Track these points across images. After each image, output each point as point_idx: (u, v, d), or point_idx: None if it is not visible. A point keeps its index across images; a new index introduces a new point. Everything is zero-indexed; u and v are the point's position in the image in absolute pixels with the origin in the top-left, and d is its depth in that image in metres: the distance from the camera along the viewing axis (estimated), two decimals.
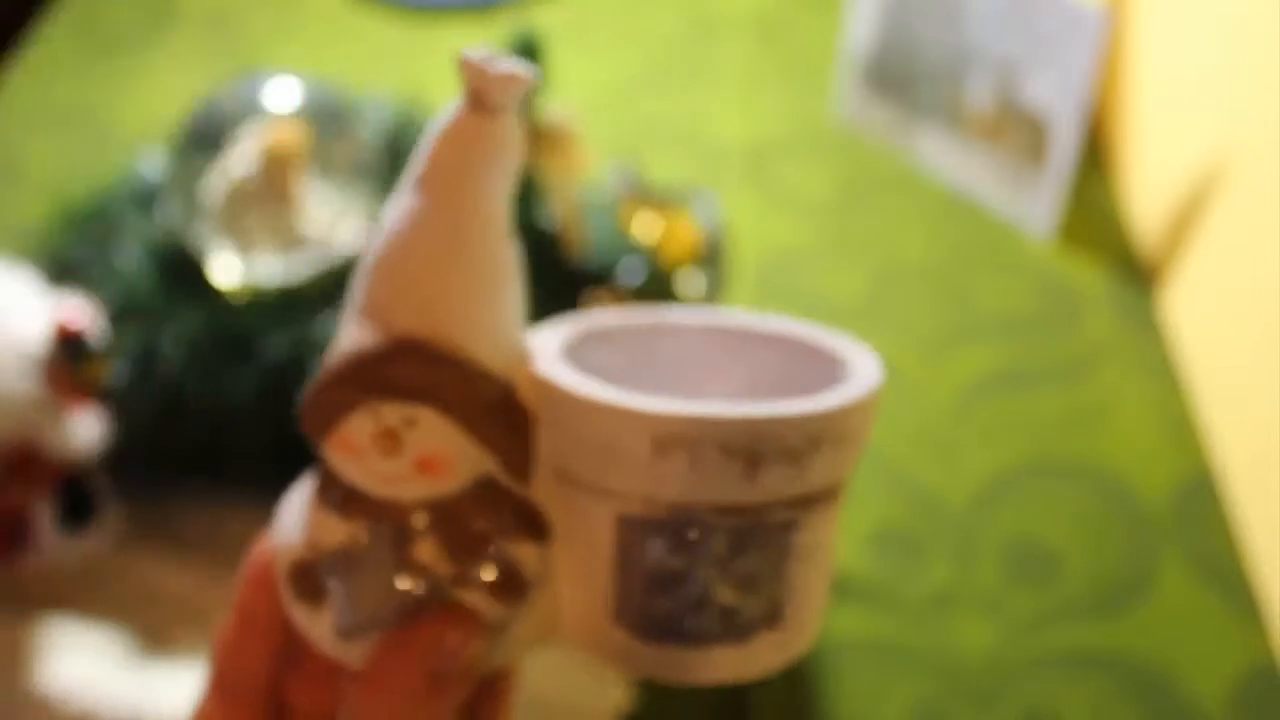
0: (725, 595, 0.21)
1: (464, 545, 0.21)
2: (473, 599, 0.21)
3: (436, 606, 0.21)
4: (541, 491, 0.21)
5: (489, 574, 0.21)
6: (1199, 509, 0.49)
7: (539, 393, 0.21)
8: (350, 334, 0.21)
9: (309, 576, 0.21)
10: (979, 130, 0.63)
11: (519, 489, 0.21)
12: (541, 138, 0.46)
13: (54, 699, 0.40)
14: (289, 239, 0.47)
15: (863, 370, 0.22)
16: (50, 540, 0.42)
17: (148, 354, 0.45)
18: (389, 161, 0.51)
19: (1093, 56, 0.56)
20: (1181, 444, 0.52)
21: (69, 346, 0.42)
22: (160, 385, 0.45)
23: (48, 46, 0.76)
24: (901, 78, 0.66)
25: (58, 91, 0.72)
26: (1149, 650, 0.45)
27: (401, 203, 0.20)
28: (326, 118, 0.49)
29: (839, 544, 0.22)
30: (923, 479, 0.51)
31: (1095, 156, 0.67)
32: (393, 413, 0.20)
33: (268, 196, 0.46)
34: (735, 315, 0.25)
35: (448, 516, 0.21)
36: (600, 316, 0.25)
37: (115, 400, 0.44)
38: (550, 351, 0.22)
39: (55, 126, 0.70)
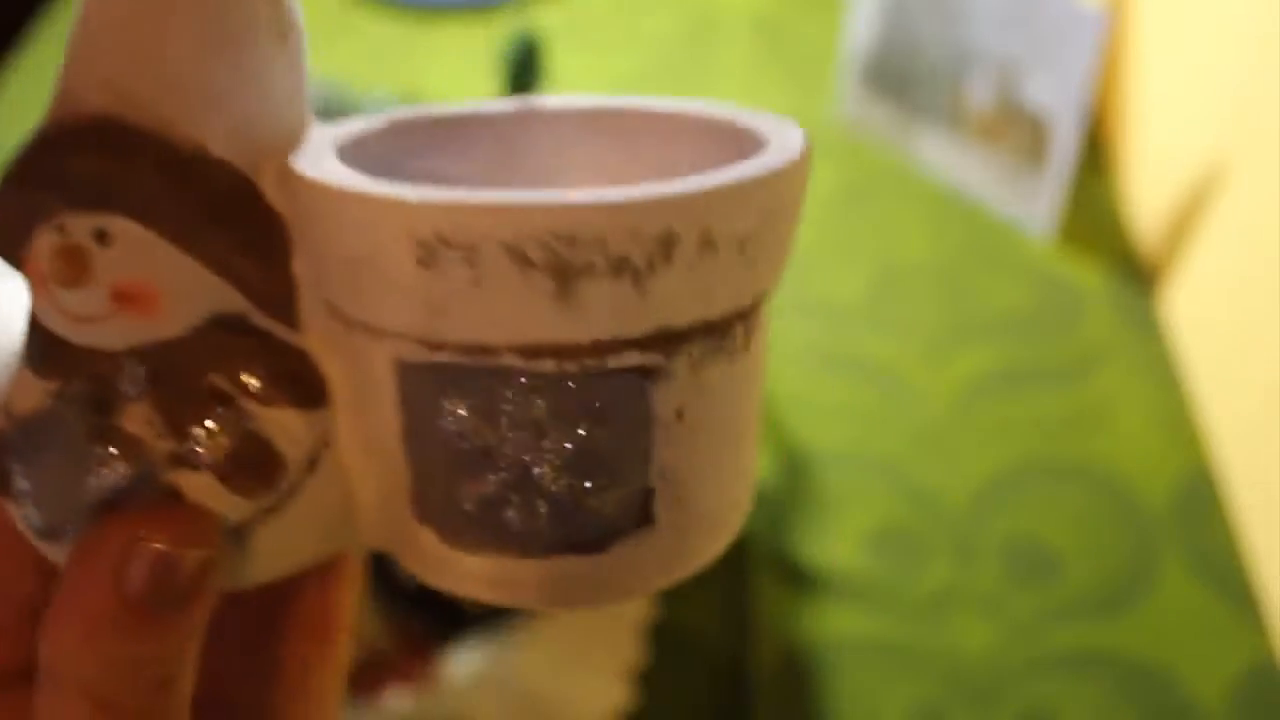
0: (555, 479, 0.14)
1: (188, 409, 0.15)
2: (198, 485, 0.15)
3: (145, 497, 0.15)
4: (317, 337, 0.15)
5: (221, 449, 0.15)
6: (1199, 509, 0.49)
7: (292, 195, 0.15)
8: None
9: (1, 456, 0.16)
10: (979, 130, 0.63)
11: (278, 331, 0.15)
12: None
13: None
14: None
15: (776, 147, 0.15)
16: None
17: None
18: None
19: (1093, 56, 0.56)
20: (1181, 444, 0.52)
21: None
22: None
23: (48, 46, 0.76)
24: (901, 78, 0.66)
25: None
26: (1149, 650, 0.45)
27: None
28: (325, 117, 0.49)
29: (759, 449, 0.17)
30: (923, 479, 0.51)
31: (1095, 156, 0.67)
32: (79, 223, 0.14)
33: None
34: (629, 99, 0.19)
35: (168, 370, 0.15)
36: (437, 107, 0.19)
37: None
38: (331, 142, 0.16)
39: None
